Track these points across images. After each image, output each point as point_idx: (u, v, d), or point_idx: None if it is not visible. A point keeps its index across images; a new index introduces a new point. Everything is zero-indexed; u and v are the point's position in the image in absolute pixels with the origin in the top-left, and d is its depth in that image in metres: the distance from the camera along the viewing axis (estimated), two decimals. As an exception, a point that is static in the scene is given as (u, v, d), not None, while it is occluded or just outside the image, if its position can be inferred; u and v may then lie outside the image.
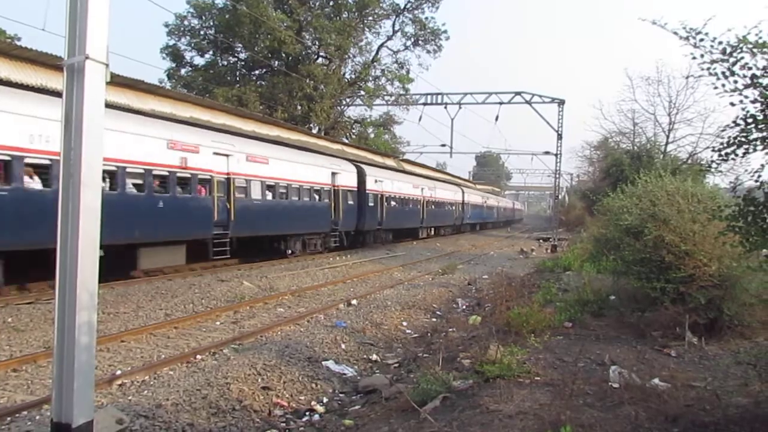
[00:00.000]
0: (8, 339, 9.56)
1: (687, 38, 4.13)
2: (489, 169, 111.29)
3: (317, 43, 41.46)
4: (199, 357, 9.00)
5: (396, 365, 9.49)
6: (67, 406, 4.52)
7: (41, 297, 12.65)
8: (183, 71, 41.93)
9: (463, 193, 50.30)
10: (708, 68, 4.09)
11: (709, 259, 7.97)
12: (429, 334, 11.60)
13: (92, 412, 4.75)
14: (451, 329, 11.49)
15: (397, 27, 45.28)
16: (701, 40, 4.08)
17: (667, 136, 32.96)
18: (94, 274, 4.60)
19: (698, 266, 7.93)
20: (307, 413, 7.28)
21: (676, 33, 4.17)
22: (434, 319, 13.38)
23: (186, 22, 40.71)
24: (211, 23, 40.81)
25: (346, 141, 41.07)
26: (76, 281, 4.45)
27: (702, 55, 4.09)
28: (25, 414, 6.48)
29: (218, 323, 11.62)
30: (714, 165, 4.50)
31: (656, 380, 5.92)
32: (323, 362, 9.17)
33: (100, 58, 4.56)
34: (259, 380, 7.91)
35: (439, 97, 40.61)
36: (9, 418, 6.33)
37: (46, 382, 7.59)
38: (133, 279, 15.69)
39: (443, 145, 45.47)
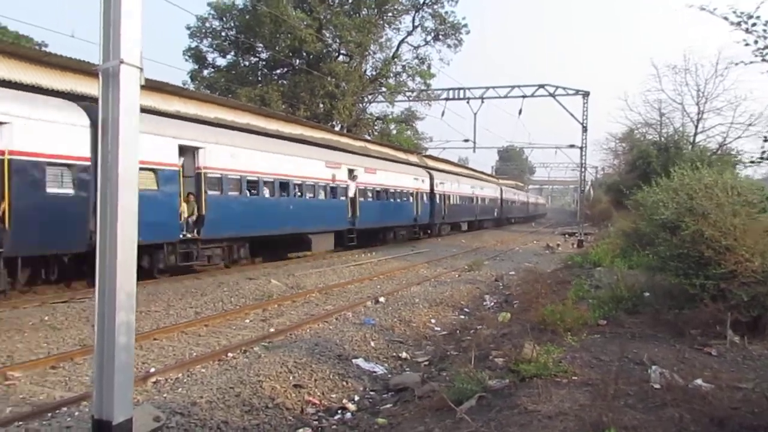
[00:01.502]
0: (45, 337, 9.74)
1: (738, 23, 3.96)
2: (512, 163, 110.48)
3: (338, 40, 41.51)
4: (230, 355, 9.04)
5: (426, 363, 9.42)
6: (107, 403, 4.56)
7: (75, 296, 12.86)
8: (206, 72, 42.33)
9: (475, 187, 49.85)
10: (761, 54, 3.91)
11: (752, 254, 7.70)
12: (458, 332, 11.51)
13: (131, 409, 4.78)
14: (480, 326, 11.40)
15: (417, 22, 45.17)
16: (753, 24, 3.90)
17: (696, 126, 32.29)
18: (133, 275, 4.62)
19: (740, 262, 7.68)
20: (339, 411, 7.25)
21: (726, 18, 4.00)
22: (462, 317, 13.28)
23: (207, 24, 41.09)
24: (232, 24, 41.11)
25: (368, 138, 41.05)
26: (116, 282, 4.48)
27: (756, 41, 3.91)
28: (65, 410, 6.57)
29: (248, 321, 11.68)
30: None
31: (699, 381, 5.75)
32: (353, 360, 9.15)
33: (134, 62, 4.58)
34: (291, 378, 7.92)
35: (461, 92, 40.31)
36: (50, 414, 6.45)
37: (82, 379, 7.70)
38: (164, 278, 15.94)
39: (466, 140, 45.16)
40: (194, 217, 16.62)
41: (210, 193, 17.02)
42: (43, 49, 23.64)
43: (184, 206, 16.28)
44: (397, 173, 31.91)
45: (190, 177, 16.81)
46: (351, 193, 25.92)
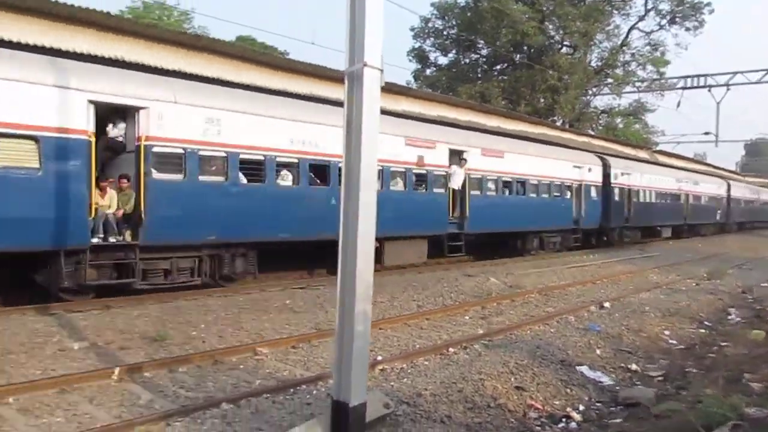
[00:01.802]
0: (287, 319, 10.88)
1: None
2: (763, 158, 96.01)
3: (561, 31, 40.08)
4: (451, 350, 9.16)
5: (660, 378, 8.57)
6: (345, 387, 4.91)
7: (311, 283, 14.25)
8: (428, 72, 44.00)
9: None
10: None
11: None
12: (697, 347, 10.31)
13: (365, 393, 5.09)
14: (725, 343, 10.07)
15: (649, 5, 41.58)
16: None
17: None
18: (371, 267, 4.92)
19: None
20: (563, 420, 6.90)
21: None
22: (702, 330, 11.86)
23: (430, 24, 42.64)
24: (454, 23, 42.08)
25: (592, 132, 38.91)
26: (355, 274, 4.80)
27: None
28: (305, 388, 7.18)
29: (467, 318, 11.79)
30: None
31: None
32: (577, 367, 8.67)
33: (375, 64, 4.84)
34: (512, 379, 7.76)
35: (702, 79, 36.12)
36: (292, 390, 7.09)
37: (318, 360, 8.40)
38: (387, 270, 16.85)
39: (706, 133, 40.32)
40: (122, 212, 11.62)
41: (158, 177, 11.81)
42: (286, 56, 26.69)
43: (113, 195, 11.62)
44: (543, 158, 23.94)
45: (132, 152, 11.95)
46: (456, 184, 19.05)
